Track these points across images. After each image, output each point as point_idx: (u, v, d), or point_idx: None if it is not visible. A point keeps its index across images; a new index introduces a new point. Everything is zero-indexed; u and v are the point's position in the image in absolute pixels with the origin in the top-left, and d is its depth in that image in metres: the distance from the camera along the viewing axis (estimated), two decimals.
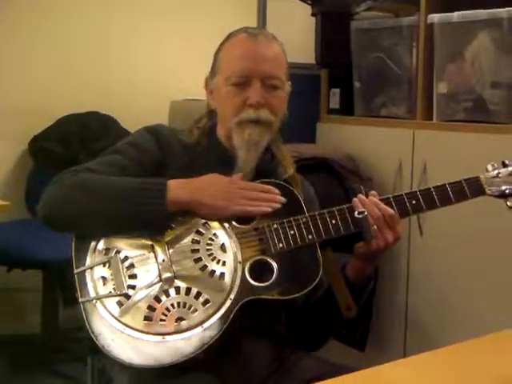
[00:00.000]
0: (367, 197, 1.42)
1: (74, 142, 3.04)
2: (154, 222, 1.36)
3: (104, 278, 1.34)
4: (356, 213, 1.38)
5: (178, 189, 1.37)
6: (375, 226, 1.38)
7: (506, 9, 2.21)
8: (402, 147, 2.47)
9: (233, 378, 1.37)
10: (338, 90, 2.88)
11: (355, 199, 1.41)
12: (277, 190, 1.42)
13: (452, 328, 2.31)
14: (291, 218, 1.40)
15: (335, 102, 2.88)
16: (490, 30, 2.27)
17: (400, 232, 1.41)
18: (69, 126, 3.06)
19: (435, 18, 2.38)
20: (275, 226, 1.39)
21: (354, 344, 2.54)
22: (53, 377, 2.77)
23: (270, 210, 1.39)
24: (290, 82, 1.54)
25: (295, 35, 3.08)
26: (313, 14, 2.70)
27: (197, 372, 1.32)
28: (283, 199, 1.41)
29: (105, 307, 1.32)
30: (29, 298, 3.08)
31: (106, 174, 1.42)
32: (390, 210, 1.39)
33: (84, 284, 1.34)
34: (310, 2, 2.71)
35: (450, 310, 2.34)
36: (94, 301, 1.32)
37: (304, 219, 1.40)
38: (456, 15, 2.33)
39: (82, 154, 2.98)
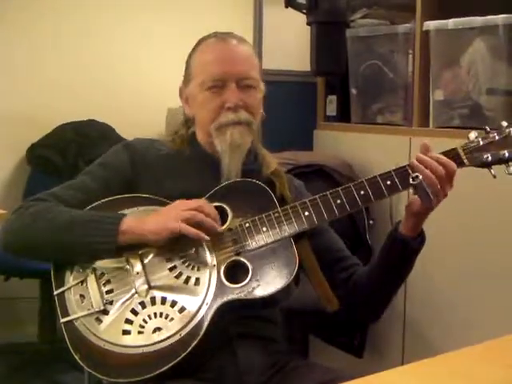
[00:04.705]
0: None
1: (71, 150, 3.04)
2: (102, 255, 1.37)
3: (82, 297, 1.36)
4: (411, 180, 1.33)
5: (128, 222, 1.36)
6: (439, 186, 1.32)
7: (502, 16, 2.21)
8: (398, 154, 2.47)
9: None
10: (334, 98, 2.88)
11: (415, 162, 1.34)
12: (218, 218, 1.37)
13: (451, 334, 2.31)
14: (263, 215, 1.38)
15: (332, 110, 2.89)
16: (485, 37, 2.27)
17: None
18: (66, 133, 3.06)
19: (431, 25, 2.39)
20: (247, 224, 1.38)
21: (352, 351, 2.53)
22: None
23: (206, 238, 1.34)
24: (264, 83, 1.53)
25: (291, 43, 3.08)
26: (308, 23, 2.71)
27: (187, 379, 1.33)
28: (217, 230, 1.36)
29: (84, 325, 1.33)
30: (26, 306, 3.07)
31: (71, 200, 1.43)
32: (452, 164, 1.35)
33: (63, 304, 1.36)
34: (304, 12, 2.71)
35: (448, 316, 2.34)
36: (74, 320, 1.33)
37: (276, 214, 1.38)
38: (452, 22, 2.33)
39: (79, 162, 2.98)
